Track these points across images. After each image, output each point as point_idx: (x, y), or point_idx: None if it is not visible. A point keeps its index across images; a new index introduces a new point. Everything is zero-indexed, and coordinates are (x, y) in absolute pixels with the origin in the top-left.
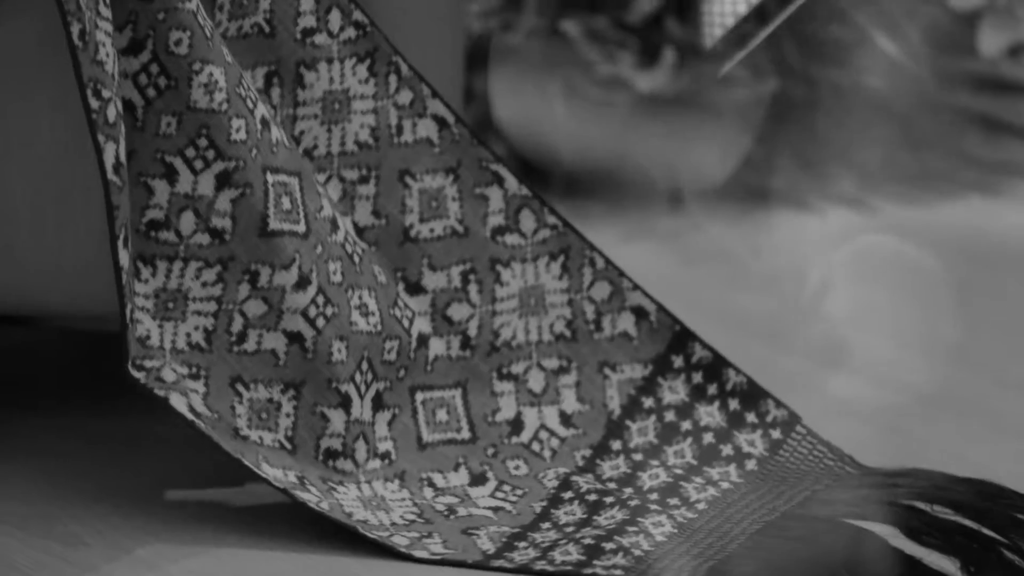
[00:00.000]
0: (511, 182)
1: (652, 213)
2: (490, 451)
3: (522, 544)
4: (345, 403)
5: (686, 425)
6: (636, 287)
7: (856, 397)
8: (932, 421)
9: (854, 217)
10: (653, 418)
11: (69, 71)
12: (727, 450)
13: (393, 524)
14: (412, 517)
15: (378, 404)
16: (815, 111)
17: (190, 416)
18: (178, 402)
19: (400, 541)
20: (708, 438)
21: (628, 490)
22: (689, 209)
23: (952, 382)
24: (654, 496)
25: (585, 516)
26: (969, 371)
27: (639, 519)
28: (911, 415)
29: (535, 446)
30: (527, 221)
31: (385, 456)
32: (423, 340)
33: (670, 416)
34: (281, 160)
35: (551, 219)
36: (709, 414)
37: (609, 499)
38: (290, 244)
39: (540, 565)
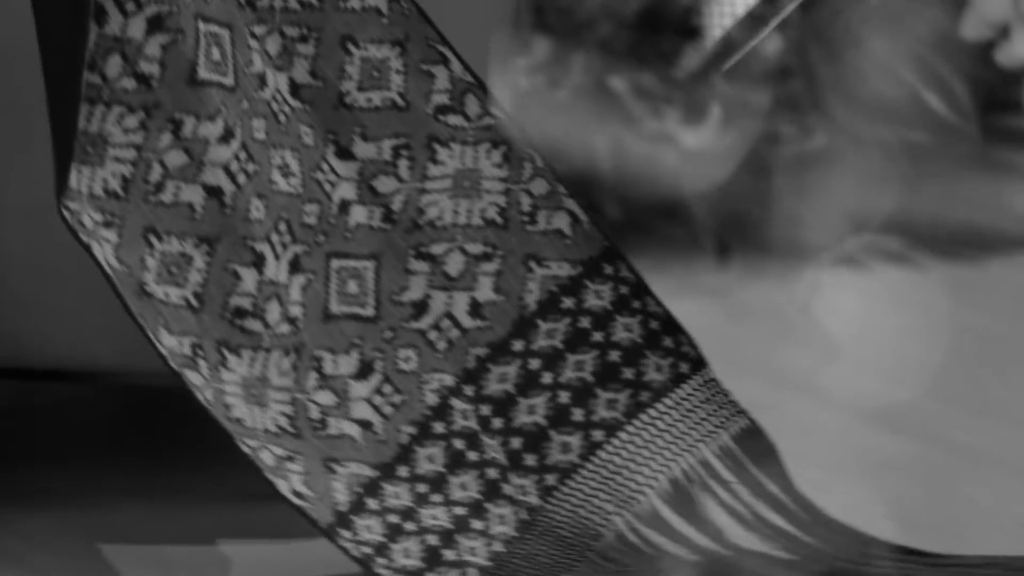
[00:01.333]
0: (456, 65)
1: (698, 268)
2: (388, 334)
3: (372, 504)
4: (259, 262)
5: (598, 336)
6: (571, 196)
7: (902, 454)
8: (982, 480)
9: (902, 274)
10: (567, 320)
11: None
12: (628, 374)
13: (266, 431)
14: (284, 423)
15: (295, 267)
16: (863, 167)
17: (107, 268)
18: (98, 252)
19: (267, 459)
20: (614, 356)
21: (495, 441)
22: (735, 264)
23: (1001, 441)
24: (517, 446)
25: (443, 471)
26: (1019, 430)
27: (488, 506)
28: (960, 473)
29: (432, 334)
30: (472, 105)
31: (293, 322)
32: (345, 206)
33: (585, 322)
34: (214, 10)
35: (495, 110)
36: (628, 327)
37: (473, 455)
38: (217, 96)
39: (380, 565)
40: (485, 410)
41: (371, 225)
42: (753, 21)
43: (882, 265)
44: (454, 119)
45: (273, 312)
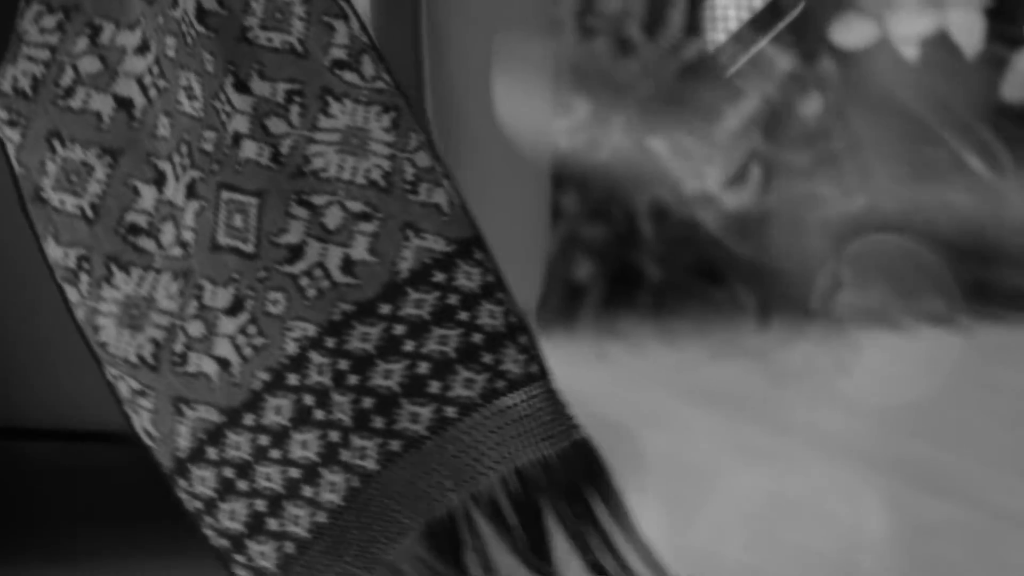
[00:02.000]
0: (355, 23)
1: (740, 331)
2: (262, 273)
3: (211, 453)
4: (160, 180)
5: (464, 316)
6: (449, 178)
7: (949, 520)
8: (1022, 544)
9: (945, 336)
10: (437, 294)
11: None
12: (487, 359)
13: (125, 361)
14: (147, 352)
15: (191, 192)
16: (906, 230)
17: (15, 165)
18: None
19: (123, 391)
20: (477, 338)
21: (345, 399)
22: (776, 326)
23: None
24: (367, 406)
25: (287, 426)
26: None
27: (323, 471)
28: (1000, 536)
29: (303, 280)
30: (367, 66)
31: (185, 246)
32: (237, 139)
33: (454, 299)
34: None
35: (387, 76)
36: (492, 314)
37: (319, 414)
38: (138, 5)
39: (205, 524)
40: (343, 364)
41: (259, 162)
42: (756, 28)
43: (923, 327)
44: (349, 76)
45: (168, 233)
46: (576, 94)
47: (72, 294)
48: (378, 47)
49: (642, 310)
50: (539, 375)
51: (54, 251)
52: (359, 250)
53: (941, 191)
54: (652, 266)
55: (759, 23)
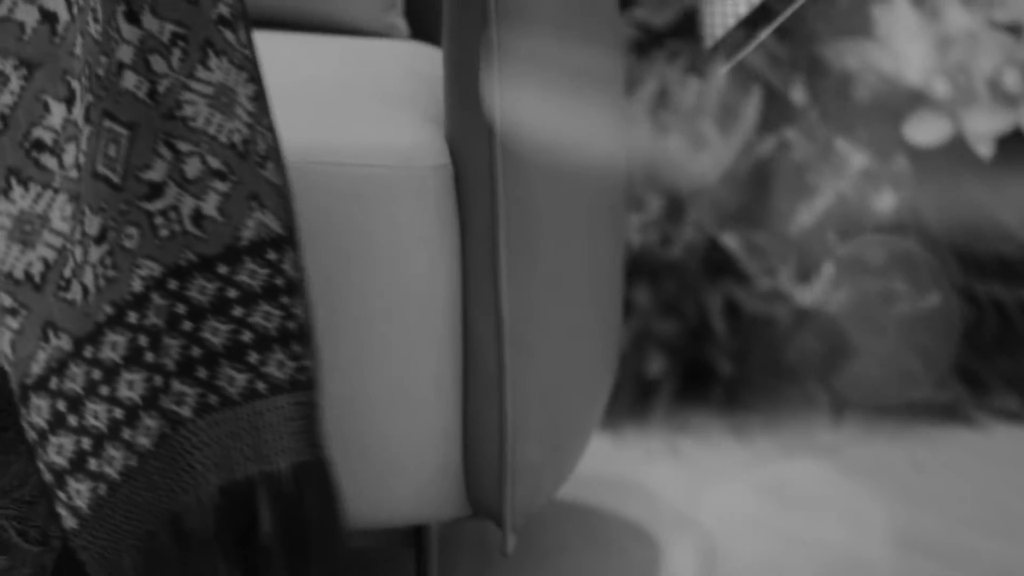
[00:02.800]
0: None
1: (812, 426)
2: (123, 206)
3: (52, 383)
4: (70, 99)
5: (285, 300)
6: (281, 168)
7: None
8: None
9: (1019, 433)
10: (267, 272)
11: None
12: (273, 363)
13: (8, 276)
14: (36, 271)
15: (87, 117)
16: (978, 326)
17: None
18: None
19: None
20: (291, 326)
21: (176, 342)
22: (850, 422)
23: None
24: (195, 355)
25: (119, 363)
26: None
27: (142, 415)
28: None
29: (158, 219)
30: (242, 32)
31: (79, 168)
32: (121, 68)
33: (280, 282)
34: None
35: (253, 48)
36: (289, 312)
37: (150, 356)
38: None
39: (39, 455)
40: (180, 309)
41: (136, 95)
42: (753, 22)
43: (997, 423)
44: (229, 35)
45: (70, 154)
46: (649, 189)
47: None
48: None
49: (714, 405)
50: (306, 385)
51: None
52: (210, 206)
53: (1014, 290)
54: (724, 362)
55: (755, 20)
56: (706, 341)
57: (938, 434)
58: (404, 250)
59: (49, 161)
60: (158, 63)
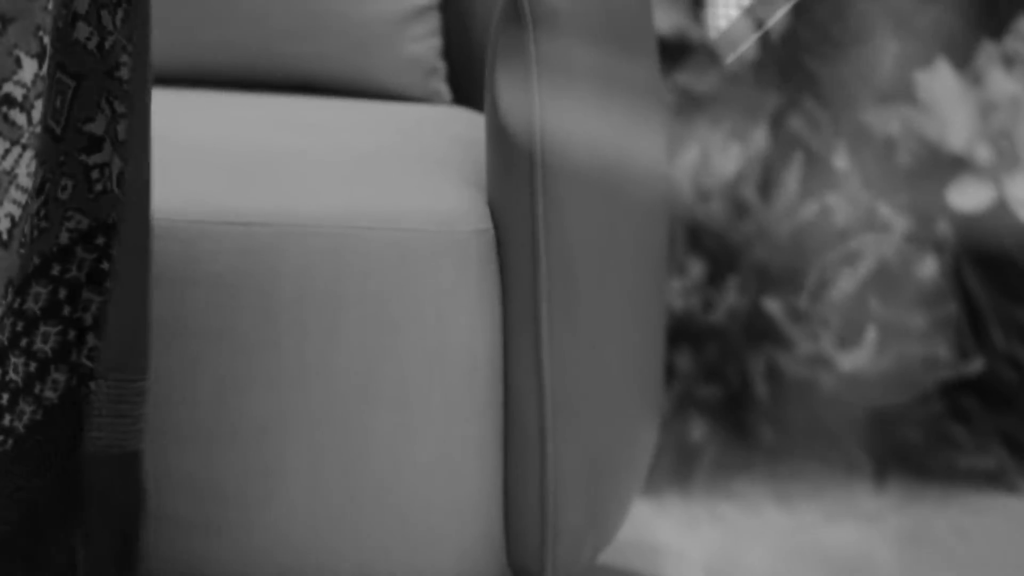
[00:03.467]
0: None
1: (855, 492)
2: (61, 158)
3: None
4: (41, 55)
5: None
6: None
7: None
8: None
9: None
10: (93, 255)
11: None
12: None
13: None
14: (3, 229)
15: (49, 71)
16: (1020, 392)
17: None
18: None
19: None
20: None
21: (97, 299)
22: (893, 489)
23: None
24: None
25: (38, 315)
26: None
27: (51, 368)
28: None
29: (94, 174)
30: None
31: (41, 128)
32: (74, 20)
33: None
34: None
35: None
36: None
37: (67, 309)
38: None
39: None
40: (104, 265)
41: (86, 47)
42: (749, 21)
43: None
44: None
45: (38, 110)
46: (691, 254)
47: None
48: None
49: (756, 471)
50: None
51: None
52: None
53: None
54: (766, 427)
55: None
56: (748, 406)
57: (981, 501)
58: (446, 314)
59: (19, 117)
60: (106, 19)
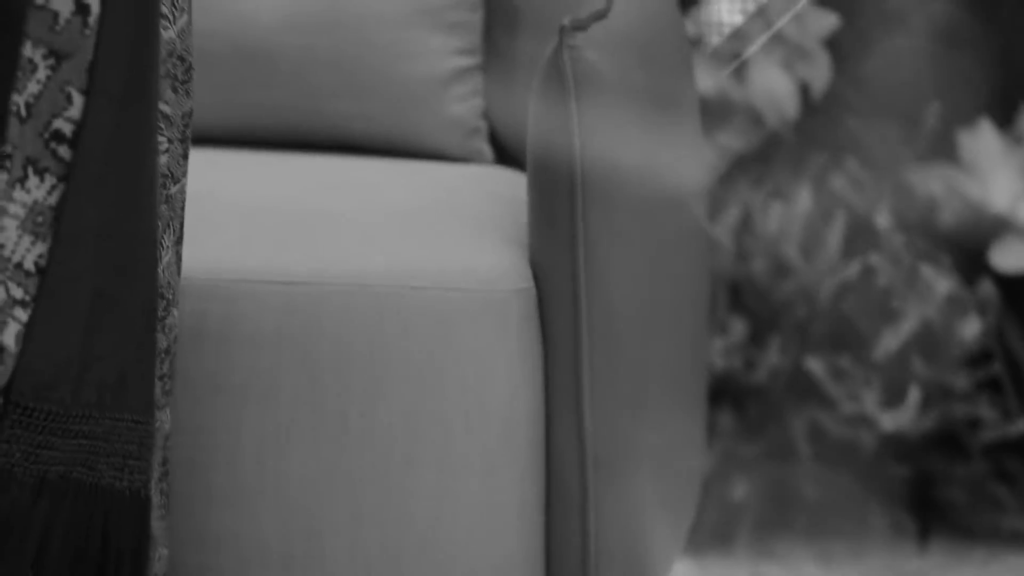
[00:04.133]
0: None
1: (898, 553)
2: None
3: None
4: (90, 91)
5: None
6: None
7: None
8: None
9: None
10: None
11: None
12: None
13: (18, 266)
14: (43, 265)
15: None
16: None
17: None
18: None
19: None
20: None
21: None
22: (936, 549)
23: None
24: None
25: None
26: None
27: None
28: None
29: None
30: None
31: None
32: (85, 8)
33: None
34: None
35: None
36: None
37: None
38: None
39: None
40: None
41: (84, 32)
42: (750, 27)
43: None
44: None
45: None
46: (733, 313)
47: None
48: None
49: (799, 531)
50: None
51: None
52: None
53: None
54: (809, 486)
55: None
56: (790, 465)
57: None
58: (487, 373)
59: (65, 152)
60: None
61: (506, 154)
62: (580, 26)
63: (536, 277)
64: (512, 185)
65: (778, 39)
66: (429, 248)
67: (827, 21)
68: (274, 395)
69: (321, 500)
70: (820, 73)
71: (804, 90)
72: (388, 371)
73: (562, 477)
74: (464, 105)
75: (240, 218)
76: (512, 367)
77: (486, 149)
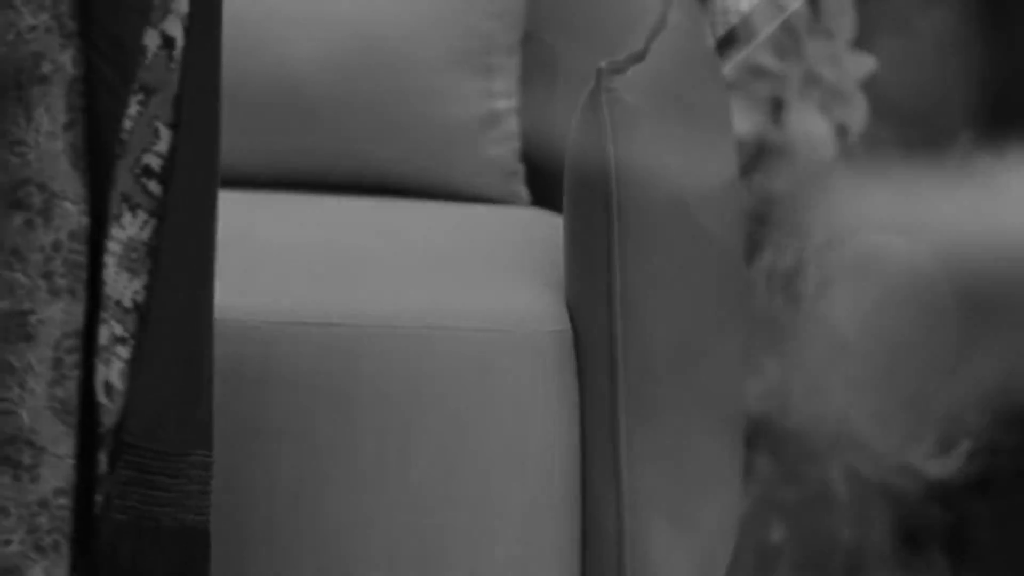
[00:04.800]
0: None
1: None
2: None
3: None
4: (177, 124)
5: None
6: None
7: None
8: None
9: None
10: None
11: None
12: None
13: (118, 303)
14: (143, 299)
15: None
16: None
17: None
18: None
19: (103, 336)
20: None
21: None
22: None
23: None
24: None
25: None
26: None
27: None
28: None
29: None
30: None
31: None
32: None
33: None
34: None
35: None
36: None
37: None
38: None
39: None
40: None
41: (170, 66)
42: (756, 19)
43: None
44: None
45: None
46: (768, 355)
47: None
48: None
49: (835, 575)
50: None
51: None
52: None
53: None
54: (847, 530)
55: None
56: (828, 509)
57: None
58: (523, 414)
59: (156, 188)
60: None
61: (543, 196)
62: (617, 69)
63: (572, 319)
64: (549, 227)
65: (815, 82)
66: (466, 290)
67: (865, 64)
68: (311, 437)
69: (357, 543)
70: (857, 116)
71: (842, 132)
72: (425, 413)
73: (598, 519)
74: (501, 148)
75: (277, 260)
76: (548, 408)
77: (523, 191)
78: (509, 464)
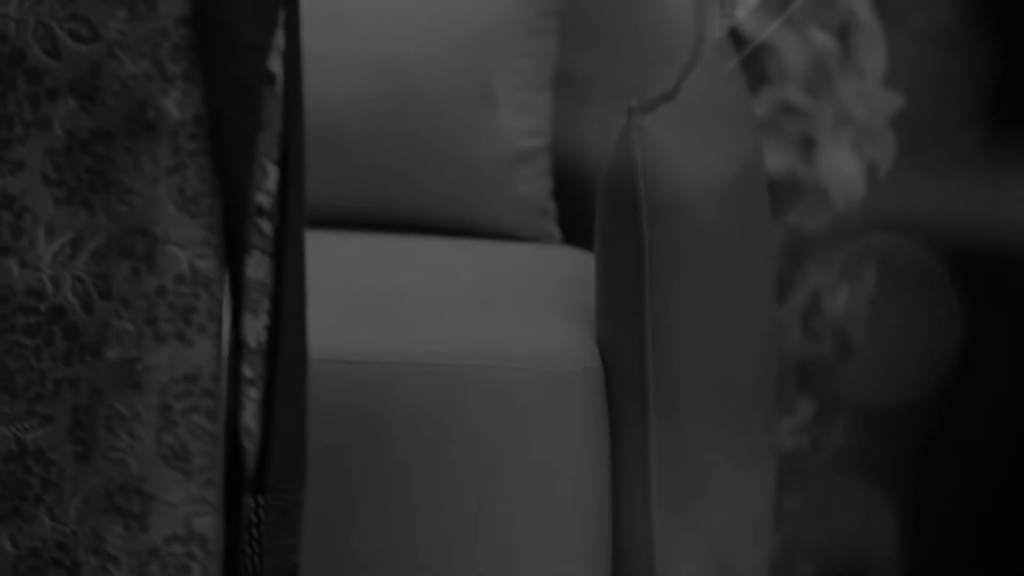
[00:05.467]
0: None
1: None
2: None
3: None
4: (284, 160)
5: None
6: None
7: None
8: None
9: None
10: None
11: None
12: None
13: (246, 345)
14: (264, 338)
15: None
16: None
17: None
18: None
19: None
20: None
21: None
22: None
23: None
24: None
25: None
26: None
27: None
28: None
29: None
30: None
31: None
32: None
33: None
34: None
35: None
36: None
37: None
38: None
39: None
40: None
41: (272, 102)
42: (758, 18)
43: None
44: None
45: (275, 217)
46: (800, 395)
47: (212, 273)
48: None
49: None
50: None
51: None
52: None
53: None
54: (877, 568)
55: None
56: (861, 548)
57: None
58: (555, 451)
59: (266, 226)
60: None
61: (575, 234)
62: (648, 107)
63: (603, 356)
64: (580, 265)
65: (847, 120)
66: (497, 327)
67: (894, 102)
68: (343, 473)
69: None
70: (887, 154)
71: (872, 171)
72: (456, 450)
73: (630, 557)
74: (533, 185)
75: (311, 298)
76: (579, 446)
77: (554, 229)
78: (540, 500)
